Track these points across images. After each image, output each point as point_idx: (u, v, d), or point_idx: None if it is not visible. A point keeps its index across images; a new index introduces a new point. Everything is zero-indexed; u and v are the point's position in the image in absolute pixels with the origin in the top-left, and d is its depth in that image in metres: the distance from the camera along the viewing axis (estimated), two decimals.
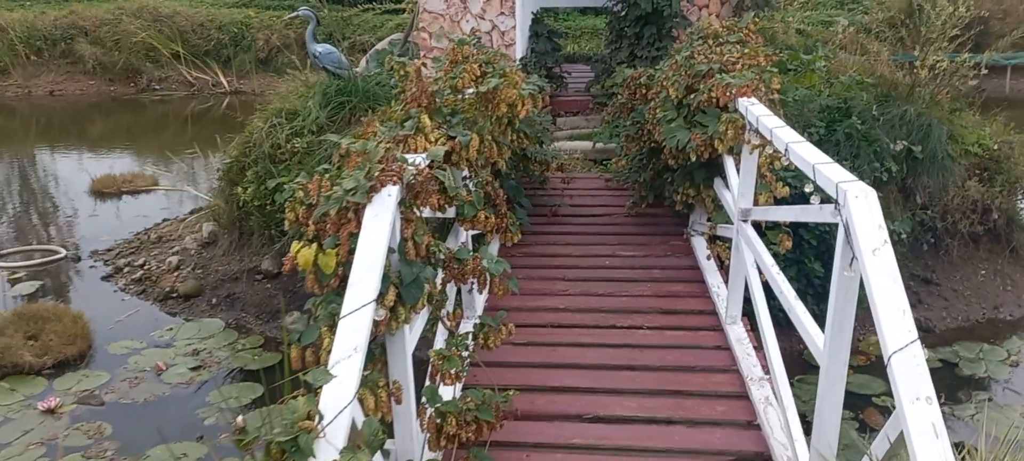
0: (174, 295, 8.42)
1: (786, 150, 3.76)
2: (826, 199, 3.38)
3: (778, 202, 4.58)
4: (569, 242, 6.58)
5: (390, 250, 3.13)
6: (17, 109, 17.50)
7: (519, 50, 9.20)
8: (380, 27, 18.43)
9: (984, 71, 8.89)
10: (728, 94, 5.00)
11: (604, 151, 8.46)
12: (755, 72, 5.21)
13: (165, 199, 11.45)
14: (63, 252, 9.45)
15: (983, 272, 8.59)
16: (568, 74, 9.57)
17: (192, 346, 7.42)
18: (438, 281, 3.63)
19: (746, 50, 5.54)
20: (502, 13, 9.21)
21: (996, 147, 8.74)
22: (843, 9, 17.77)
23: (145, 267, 8.97)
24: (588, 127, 9.06)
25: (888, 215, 8.28)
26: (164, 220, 10.54)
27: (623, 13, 8.79)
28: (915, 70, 8.92)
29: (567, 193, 7.39)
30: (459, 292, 4.46)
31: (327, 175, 3.27)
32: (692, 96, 5.49)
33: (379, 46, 12.25)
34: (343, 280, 2.99)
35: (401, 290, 3.08)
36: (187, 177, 12.54)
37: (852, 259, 2.95)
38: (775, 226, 5.19)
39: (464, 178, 4.17)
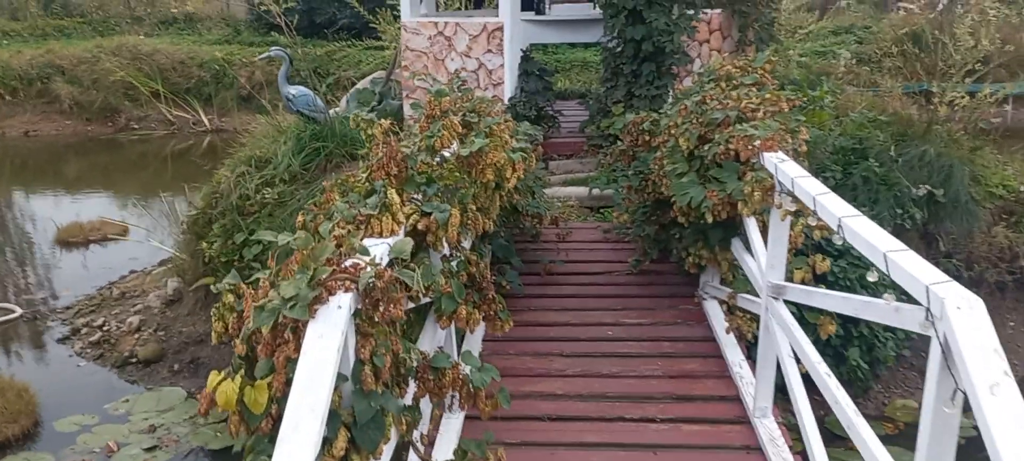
0: (133, 360, 7.60)
1: (839, 227, 3.00)
2: (902, 295, 2.63)
3: (817, 277, 3.83)
4: (566, 307, 5.79)
5: (341, 377, 2.35)
6: None
7: (508, 89, 8.46)
8: (362, 63, 17.71)
9: (1007, 107, 8.23)
10: (750, 148, 4.25)
11: (601, 198, 7.71)
12: (780, 120, 4.47)
13: (135, 247, 10.62)
14: (18, 311, 8.62)
15: (1012, 324, 7.84)
16: (560, 113, 8.82)
17: (149, 421, 6.60)
18: (410, 396, 2.85)
19: (766, 94, 4.80)
20: (489, 51, 8.48)
21: (1022, 188, 8.03)
22: (838, 39, 17.14)
23: (104, 328, 8.14)
24: (583, 171, 8.31)
25: None
26: (131, 272, 9.72)
27: (619, 49, 8.08)
28: (931, 105, 8.23)
29: (563, 248, 6.62)
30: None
31: (268, 274, 2.51)
32: (706, 147, 4.74)
33: (360, 85, 11.51)
34: (278, 420, 2.20)
35: (355, 433, 2.30)
36: (164, 220, 11.71)
37: (955, 392, 2.19)
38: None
39: (443, 257, 3.40)
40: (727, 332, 4.93)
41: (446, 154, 3.69)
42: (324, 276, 2.30)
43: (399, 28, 8.87)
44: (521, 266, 6.07)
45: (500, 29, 8.32)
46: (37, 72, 17.56)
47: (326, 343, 2.23)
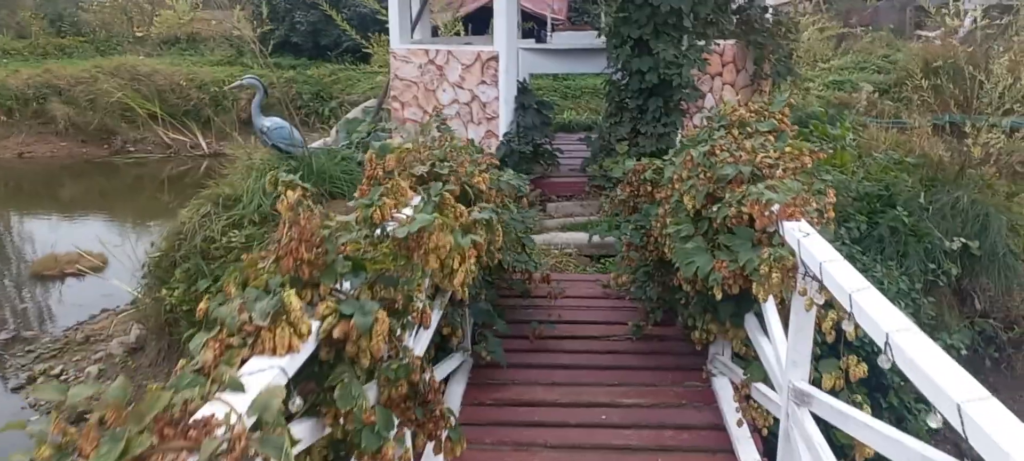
0: (88, 416, 6.86)
1: (887, 345, 2.23)
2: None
3: (850, 384, 3.05)
4: (556, 381, 5.01)
5: None
6: None
7: (503, 124, 7.73)
8: (355, 84, 17.09)
9: None
10: (768, 215, 3.49)
11: (602, 246, 6.95)
12: (803, 180, 3.70)
13: (112, 282, 9.93)
14: None
15: None
16: (560, 151, 8.08)
17: None
18: None
19: (786, 147, 4.03)
20: (483, 82, 7.76)
21: None
22: (858, 70, 16.33)
23: (62, 377, 7.43)
24: (583, 214, 7.55)
25: (942, 325, 6.72)
26: (102, 311, 9.03)
27: (624, 82, 7.34)
28: (964, 146, 7.44)
29: (556, 308, 5.86)
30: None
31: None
32: (715, 208, 3.98)
33: (351, 114, 10.82)
34: None
35: None
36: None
37: None
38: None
39: (379, 360, 2.64)
40: (739, 424, 4.14)
41: (391, 226, 2.95)
42: (145, 448, 1.55)
43: (390, 54, 8.19)
44: (506, 329, 5.30)
45: (495, 58, 7.61)
46: (33, 92, 17.03)
47: None
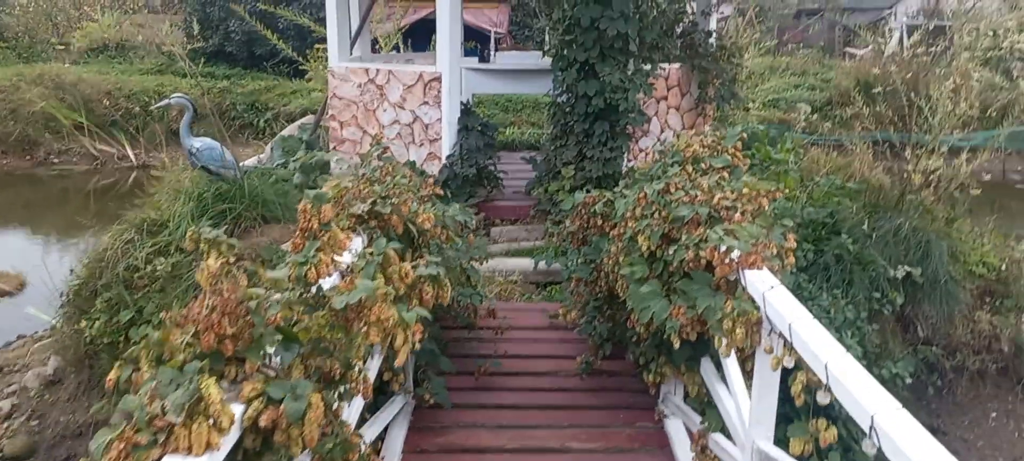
0: (1, 455, 6.37)
1: (871, 429, 2.04)
2: None
3: (820, 451, 2.87)
4: (502, 422, 4.74)
5: None
6: None
7: (446, 146, 7.45)
8: (292, 96, 16.64)
9: (986, 175, 7.47)
10: (729, 263, 3.30)
11: (549, 273, 6.73)
12: (763, 224, 3.53)
13: (32, 304, 9.31)
14: None
15: (994, 415, 7.04)
16: (504, 173, 7.83)
17: None
18: None
19: (743, 187, 3.86)
20: (425, 103, 7.47)
21: (1004, 267, 7.26)
22: (794, 87, 16.53)
23: None
24: (529, 239, 7.32)
25: (887, 353, 6.68)
26: (18, 337, 8.46)
27: (570, 106, 7.14)
28: (904, 173, 7.43)
29: (502, 342, 5.60)
30: None
31: None
32: (671, 250, 3.78)
33: (287, 131, 10.40)
34: None
35: None
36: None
37: None
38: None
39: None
40: None
41: (328, 283, 2.66)
42: None
43: (328, 72, 7.84)
44: (450, 367, 5.03)
45: (438, 79, 7.33)
46: None
47: None
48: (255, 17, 16.83)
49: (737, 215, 3.62)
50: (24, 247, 11.79)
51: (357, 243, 3.66)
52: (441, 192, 5.50)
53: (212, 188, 6.99)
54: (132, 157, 16.22)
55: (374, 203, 3.90)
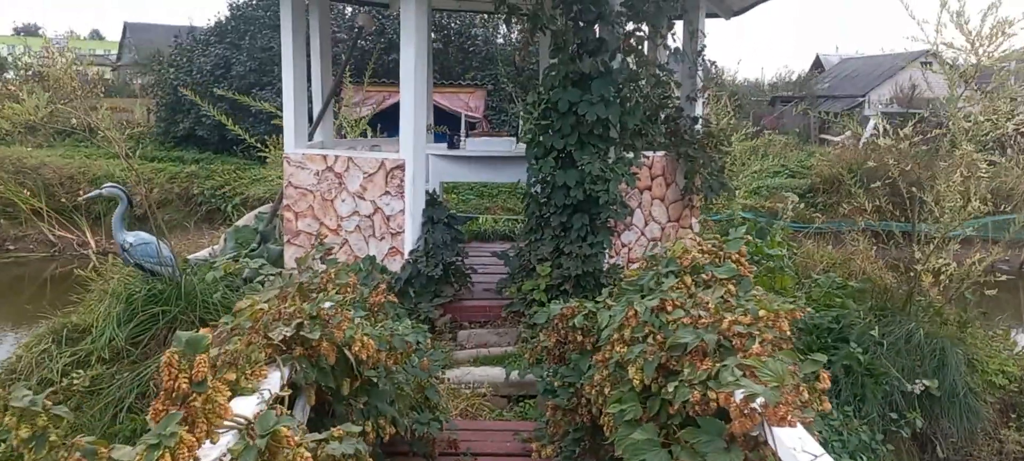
0: None
1: None
2: None
3: None
4: None
5: None
6: None
7: (409, 240, 6.64)
8: (260, 182, 15.87)
9: (1004, 270, 6.75)
10: (750, 416, 2.48)
11: (522, 385, 5.85)
12: (788, 358, 2.71)
13: None
14: None
15: None
16: (473, 270, 7.01)
17: None
18: None
19: (758, 309, 3.05)
20: (388, 193, 6.69)
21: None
22: (773, 174, 15.99)
23: None
24: (500, 344, 6.46)
25: None
26: None
27: (545, 198, 6.38)
28: (912, 270, 6.69)
29: None
30: None
31: None
32: (670, 386, 2.95)
33: (242, 220, 9.57)
34: None
35: None
36: None
37: None
38: None
39: None
40: None
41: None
42: None
43: (284, 159, 7.07)
44: None
45: (401, 167, 6.57)
46: None
47: None
48: (224, 104, 16.23)
49: (755, 346, 2.80)
50: None
51: (274, 380, 2.81)
52: (394, 298, 4.67)
53: (144, 288, 6.13)
54: (92, 243, 15.26)
55: (300, 326, 3.05)
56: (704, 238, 3.99)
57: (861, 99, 31.13)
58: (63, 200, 15.63)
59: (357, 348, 3.07)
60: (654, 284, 3.55)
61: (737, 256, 3.75)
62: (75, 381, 5.49)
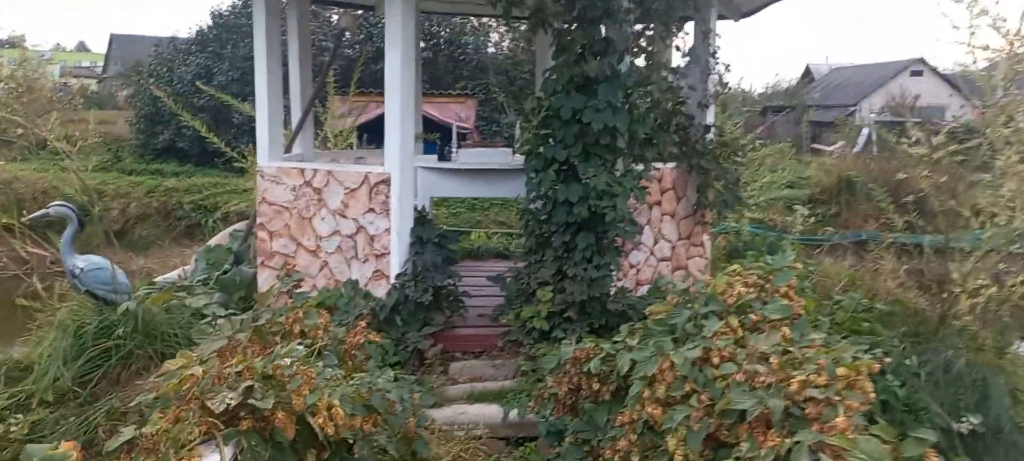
0: None
1: None
2: None
3: None
4: None
5: None
6: None
7: (395, 262, 5.94)
8: (242, 195, 15.16)
9: None
10: None
11: (522, 426, 5.16)
12: (885, 434, 2.05)
13: None
14: None
15: None
16: (467, 294, 6.31)
17: None
18: None
19: (836, 363, 2.39)
20: (371, 210, 6.00)
21: None
22: (773, 186, 15.34)
23: None
24: (496, 378, 5.77)
25: None
26: None
27: (546, 215, 5.71)
28: (944, 294, 6.07)
29: None
30: None
31: None
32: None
33: (214, 239, 8.85)
34: None
35: None
36: None
37: None
38: None
39: None
40: None
41: None
42: None
43: (257, 172, 6.38)
44: None
45: (387, 182, 5.88)
46: None
47: None
48: (206, 114, 15.51)
49: (840, 418, 2.13)
50: None
51: None
52: (376, 337, 3.98)
53: (96, 319, 5.42)
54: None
55: (249, 390, 2.36)
56: (737, 272, 3.32)
57: (852, 108, 30.68)
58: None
59: (321, 420, 2.38)
60: (692, 327, 2.88)
61: (785, 290, 3.09)
62: (13, 427, 4.77)
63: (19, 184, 15.19)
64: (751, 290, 3.04)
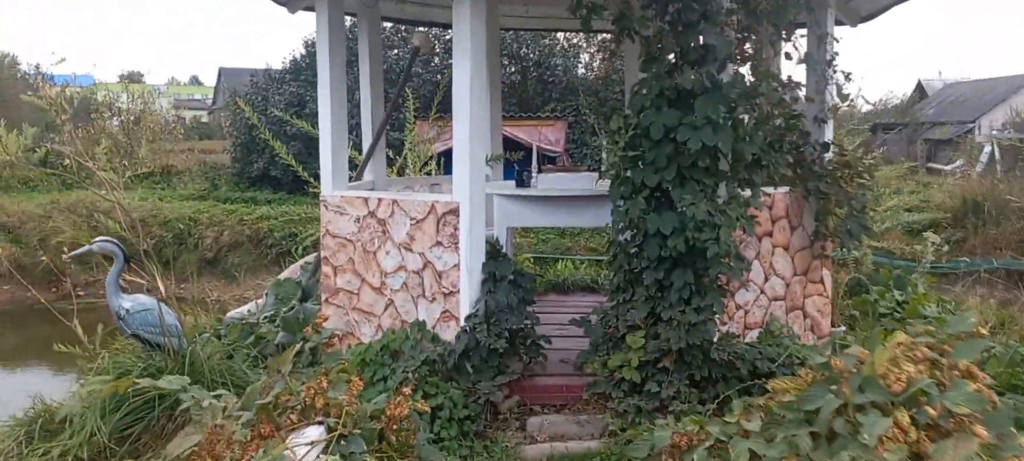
0: None
1: None
2: None
3: None
4: None
5: None
6: None
7: (465, 302, 5.23)
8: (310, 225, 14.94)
9: None
10: None
11: None
12: None
13: None
14: None
15: None
16: (547, 340, 5.52)
17: None
18: None
19: None
20: (438, 243, 5.32)
21: None
22: (892, 209, 13.95)
23: None
24: (581, 438, 4.95)
25: None
26: None
27: (636, 248, 4.90)
28: None
29: None
30: None
31: None
32: None
33: (286, 273, 8.40)
34: None
35: None
36: None
37: None
38: None
39: None
40: None
41: None
42: None
43: (321, 202, 5.83)
44: None
45: (454, 212, 5.20)
46: None
47: None
48: (298, 142, 15.36)
49: None
50: (41, 381, 10.05)
51: None
52: (423, 406, 3.26)
53: (139, 365, 4.93)
54: (161, 288, 14.52)
55: None
56: (902, 343, 2.42)
57: (971, 125, 28.36)
58: (131, 243, 15.06)
59: None
60: (840, 423, 2.02)
61: (967, 368, 2.19)
62: None
63: (119, 212, 15.35)
64: (921, 367, 2.16)
